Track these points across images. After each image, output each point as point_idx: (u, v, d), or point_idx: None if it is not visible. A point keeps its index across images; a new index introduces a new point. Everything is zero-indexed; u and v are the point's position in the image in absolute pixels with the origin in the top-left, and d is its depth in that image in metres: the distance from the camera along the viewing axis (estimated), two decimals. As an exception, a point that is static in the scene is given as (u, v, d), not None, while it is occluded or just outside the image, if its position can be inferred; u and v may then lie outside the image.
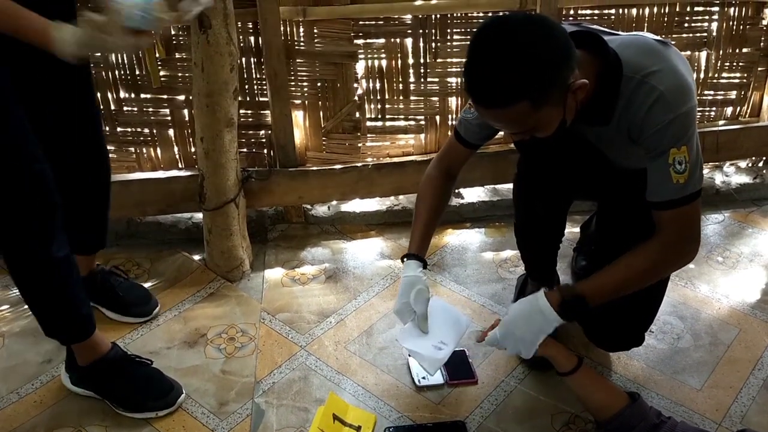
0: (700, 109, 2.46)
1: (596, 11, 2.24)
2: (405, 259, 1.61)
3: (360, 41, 2.14)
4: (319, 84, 2.19)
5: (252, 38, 2.08)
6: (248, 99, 2.17)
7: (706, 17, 2.32)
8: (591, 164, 1.54)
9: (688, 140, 1.32)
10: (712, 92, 2.45)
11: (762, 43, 2.39)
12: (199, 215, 2.21)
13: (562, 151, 1.49)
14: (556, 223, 1.81)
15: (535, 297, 1.48)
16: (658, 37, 1.39)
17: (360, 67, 2.19)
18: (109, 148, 2.15)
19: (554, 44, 1.21)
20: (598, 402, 1.49)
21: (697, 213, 1.40)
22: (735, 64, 2.41)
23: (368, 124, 2.28)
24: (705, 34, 2.33)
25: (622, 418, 1.43)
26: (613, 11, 2.23)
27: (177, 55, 2.06)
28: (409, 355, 1.74)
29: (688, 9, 2.29)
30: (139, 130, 2.17)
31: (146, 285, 2.06)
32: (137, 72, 2.08)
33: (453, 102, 2.30)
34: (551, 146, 1.38)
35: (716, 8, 2.31)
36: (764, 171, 2.60)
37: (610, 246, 1.47)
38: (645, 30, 2.26)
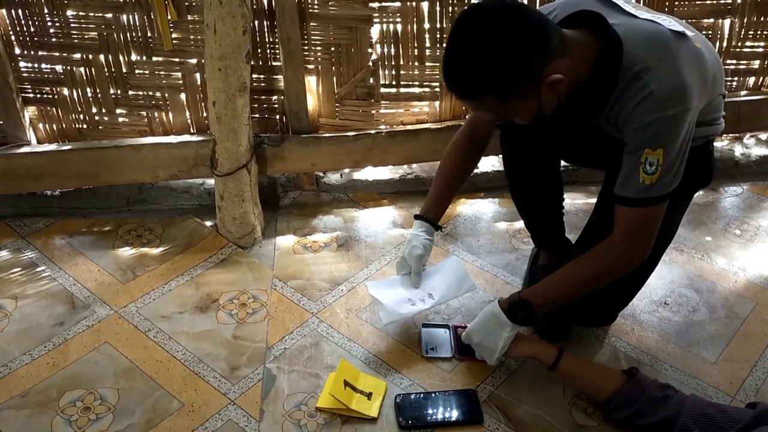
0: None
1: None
2: (414, 219, 1.73)
3: (375, 4, 2.09)
4: (332, 49, 2.15)
5: (265, 0, 2.04)
6: (260, 63, 2.14)
7: (731, -17, 2.25)
8: (576, 131, 1.51)
9: (667, 143, 1.28)
10: (734, 61, 2.38)
11: (788, 11, 2.32)
12: (211, 181, 2.20)
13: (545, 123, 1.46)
14: (547, 184, 1.78)
15: (491, 304, 1.55)
16: (680, 27, 1.32)
17: (375, 32, 2.14)
18: (120, 111, 2.16)
19: (525, 38, 1.21)
20: (592, 385, 1.51)
21: (656, 218, 1.37)
22: (759, 32, 2.34)
23: (382, 90, 2.24)
24: (729, 1, 2.26)
25: (620, 395, 1.43)
26: (635, -24, 2.17)
27: (189, 17, 2.02)
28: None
29: (713, -25, 2.22)
30: (150, 93, 2.14)
31: (158, 250, 2.06)
32: (149, 34, 2.04)
33: (469, 69, 2.25)
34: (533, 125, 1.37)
35: (741, -26, 2.24)
36: (785, 143, 2.55)
37: (602, 216, 1.45)
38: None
